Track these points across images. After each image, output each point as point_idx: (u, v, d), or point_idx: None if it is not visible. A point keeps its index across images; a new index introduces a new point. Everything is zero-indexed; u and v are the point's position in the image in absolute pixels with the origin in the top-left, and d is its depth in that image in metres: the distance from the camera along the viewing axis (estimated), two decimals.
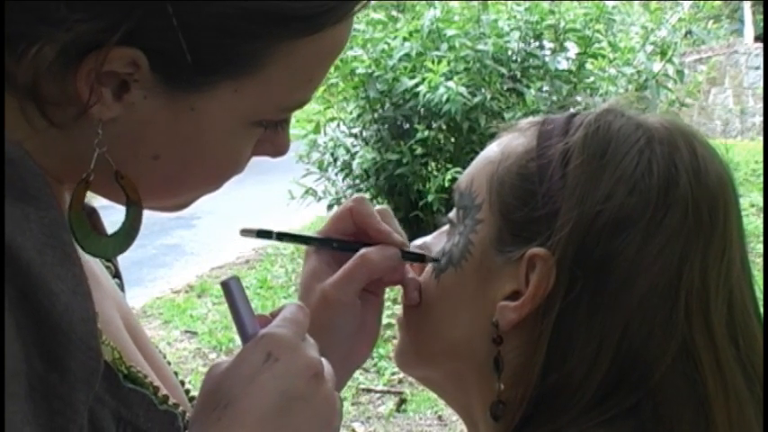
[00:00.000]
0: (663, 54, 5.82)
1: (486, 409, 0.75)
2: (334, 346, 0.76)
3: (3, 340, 0.53)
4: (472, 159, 0.82)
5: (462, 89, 5.02)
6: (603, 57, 5.66)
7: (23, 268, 0.55)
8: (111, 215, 0.72)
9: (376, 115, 5.65)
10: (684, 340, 0.70)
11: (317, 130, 5.87)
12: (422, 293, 0.82)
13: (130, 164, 0.64)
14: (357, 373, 4.06)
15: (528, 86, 5.28)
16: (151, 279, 6.22)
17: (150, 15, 0.57)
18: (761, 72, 10.68)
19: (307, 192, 5.94)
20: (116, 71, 0.59)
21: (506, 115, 4.99)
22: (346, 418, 3.88)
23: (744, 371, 0.71)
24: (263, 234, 0.81)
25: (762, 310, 0.76)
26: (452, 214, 0.82)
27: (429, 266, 0.82)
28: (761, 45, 11.21)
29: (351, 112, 5.83)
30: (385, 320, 0.91)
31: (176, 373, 0.82)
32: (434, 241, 0.84)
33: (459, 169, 4.88)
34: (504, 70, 5.39)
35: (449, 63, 5.19)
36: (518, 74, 5.49)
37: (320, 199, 5.97)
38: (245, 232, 0.80)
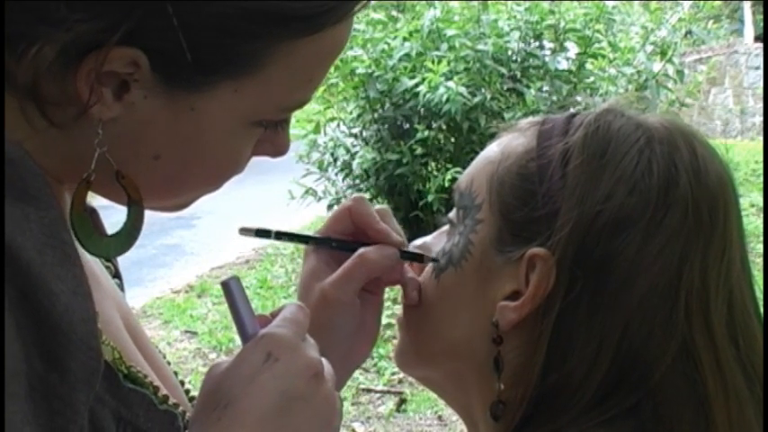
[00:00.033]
0: (663, 54, 5.82)
1: (486, 409, 0.75)
2: (333, 346, 0.76)
3: (3, 340, 0.53)
4: (472, 159, 0.82)
5: (462, 89, 5.02)
6: (603, 57, 5.66)
7: (23, 268, 0.55)
8: (112, 215, 0.72)
9: (376, 115, 5.65)
10: (684, 340, 0.70)
11: (316, 130, 5.87)
12: (422, 293, 0.82)
13: (131, 164, 0.64)
14: (357, 373, 4.07)
15: (528, 86, 5.28)
16: (151, 279, 6.22)
17: (150, 15, 0.57)
18: (761, 72, 10.68)
19: (307, 192, 5.94)
20: (116, 71, 0.59)
21: (506, 115, 4.98)
22: (346, 418, 3.88)
23: (744, 371, 0.71)
24: (262, 233, 0.81)
25: (762, 310, 0.76)
26: (452, 214, 0.82)
27: (429, 266, 0.82)
28: (761, 45, 11.21)
29: (351, 112, 5.83)
30: (385, 320, 0.91)
31: (176, 373, 0.82)
32: (434, 241, 0.84)
33: (459, 169, 4.88)
34: (504, 70, 5.39)
35: (449, 63, 5.19)
36: (518, 74, 5.49)
37: (320, 199, 5.97)
38: (244, 231, 0.81)
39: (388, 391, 4.21)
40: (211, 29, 0.59)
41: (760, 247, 5.18)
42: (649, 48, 5.88)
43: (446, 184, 5.04)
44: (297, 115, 4.81)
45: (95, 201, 0.68)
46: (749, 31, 12.84)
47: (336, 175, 6.02)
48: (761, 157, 8.09)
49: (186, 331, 5.18)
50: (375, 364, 4.41)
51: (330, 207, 5.84)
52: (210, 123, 0.64)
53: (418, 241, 0.86)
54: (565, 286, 0.70)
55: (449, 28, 5.47)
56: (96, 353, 0.58)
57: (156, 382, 0.72)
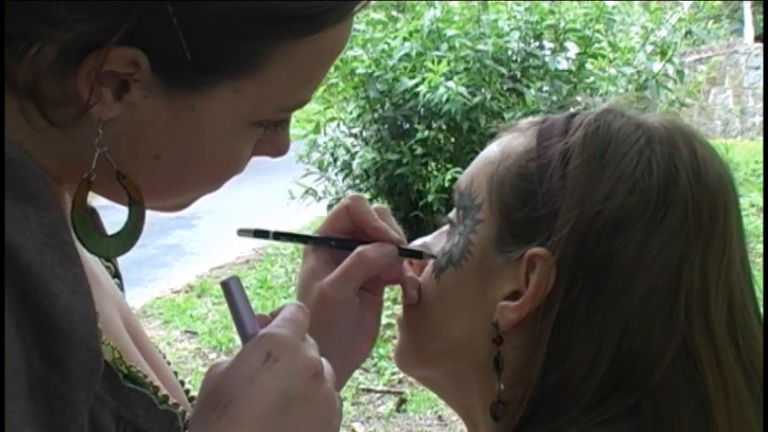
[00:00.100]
0: (663, 54, 5.82)
1: (486, 409, 0.75)
2: (333, 345, 0.76)
3: (3, 340, 0.53)
4: (472, 159, 0.82)
5: (462, 89, 5.02)
6: (603, 57, 5.65)
7: (23, 268, 0.55)
8: (112, 215, 0.72)
9: (376, 115, 5.65)
10: (684, 340, 0.70)
11: (316, 130, 5.87)
12: (422, 293, 0.82)
13: (131, 164, 0.64)
14: (357, 373, 4.07)
15: (528, 86, 5.28)
16: (151, 279, 6.22)
17: (150, 15, 0.57)
18: (761, 72, 10.68)
19: (307, 192, 5.94)
20: (116, 71, 0.59)
21: (506, 115, 4.98)
22: (346, 418, 3.88)
23: (744, 371, 0.71)
24: (260, 234, 0.81)
25: (762, 310, 0.76)
26: (452, 214, 0.82)
27: (429, 266, 0.82)
28: (761, 45, 11.21)
29: (351, 112, 5.83)
30: (385, 320, 0.91)
31: (176, 373, 0.82)
32: (434, 241, 0.84)
33: (459, 169, 4.87)
34: (504, 70, 5.39)
35: (449, 63, 5.19)
36: (518, 74, 5.49)
37: (320, 199, 5.97)
38: (242, 232, 0.81)
39: (388, 391, 4.21)
40: (211, 29, 0.59)
41: (760, 247, 5.18)
42: (649, 48, 5.88)
43: (446, 184, 5.04)
44: (297, 115, 4.80)
45: (95, 201, 0.68)
46: (749, 31, 12.83)
47: (336, 175, 6.02)
48: (761, 157, 8.09)
49: (186, 331, 5.18)
50: (375, 364, 4.41)
51: (330, 207, 5.84)
52: (210, 123, 0.64)
53: (418, 241, 0.86)
54: (565, 286, 0.70)
55: (449, 28, 5.47)
56: (96, 353, 0.59)
57: (156, 382, 0.72)
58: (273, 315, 0.67)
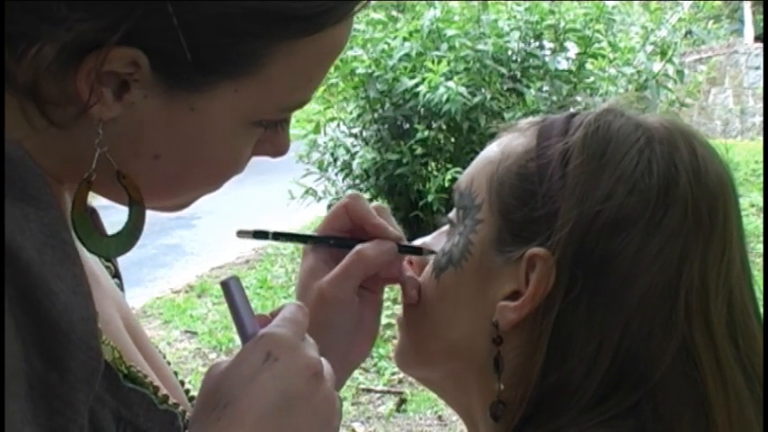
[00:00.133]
0: (663, 54, 5.82)
1: (486, 409, 0.75)
2: (332, 344, 0.76)
3: (3, 340, 0.53)
4: (472, 159, 0.82)
5: (462, 89, 5.02)
6: (603, 57, 5.66)
7: (23, 268, 0.55)
8: (112, 215, 0.72)
9: (376, 115, 5.65)
10: (684, 340, 0.70)
11: (317, 130, 5.87)
12: (422, 293, 0.82)
13: (131, 164, 0.64)
14: (357, 373, 4.07)
15: (528, 86, 5.28)
16: (151, 279, 6.22)
17: (150, 15, 0.57)
18: (761, 72, 10.67)
19: (307, 192, 5.94)
20: (116, 71, 0.59)
21: (506, 115, 4.98)
22: (346, 418, 3.88)
23: (744, 371, 0.71)
24: (260, 235, 0.81)
25: (762, 310, 0.76)
26: (452, 214, 0.82)
27: (429, 266, 0.82)
28: (761, 45, 11.20)
29: (351, 112, 5.83)
30: (385, 320, 0.92)
31: (176, 373, 0.82)
32: (434, 241, 0.84)
33: (459, 169, 4.88)
34: (504, 70, 5.39)
35: (449, 63, 5.19)
36: (518, 74, 5.49)
37: (320, 199, 5.97)
38: (242, 233, 0.80)
39: (388, 391, 4.21)
40: (211, 28, 0.59)
41: (760, 247, 5.18)
42: (649, 48, 5.88)
43: (446, 184, 5.04)
44: (297, 115, 4.80)
45: (96, 201, 0.68)
46: (749, 31, 12.83)
47: (336, 175, 6.02)
48: (761, 157, 8.09)
49: (186, 331, 5.18)
50: (375, 364, 4.41)
51: (330, 207, 5.83)
52: (211, 123, 0.64)
53: (418, 241, 0.86)
54: (564, 286, 0.70)
55: (449, 28, 5.47)
56: (96, 352, 0.59)
57: (156, 381, 0.72)
58: (273, 315, 0.67)
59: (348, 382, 0.86)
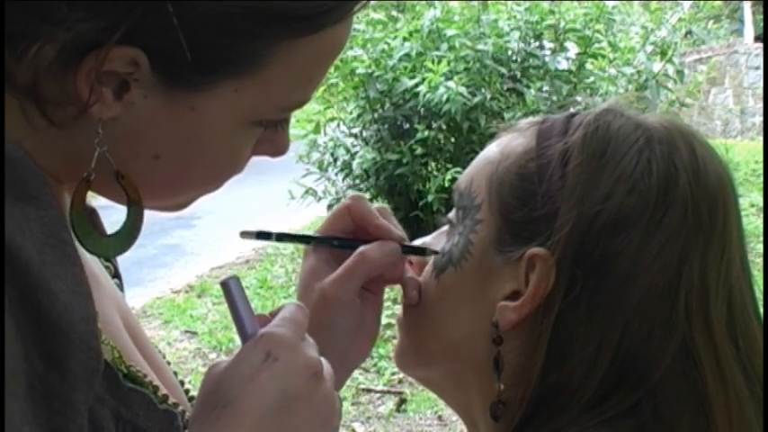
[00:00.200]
0: (663, 54, 5.82)
1: (486, 409, 0.75)
2: (333, 345, 0.76)
3: (3, 340, 0.53)
4: (472, 159, 0.82)
5: (462, 89, 5.02)
6: (603, 57, 5.66)
7: (23, 268, 0.55)
8: (112, 215, 0.72)
9: (376, 115, 5.65)
10: (684, 340, 0.70)
11: (317, 130, 5.87)
12: (422, 293, 0.82)
13: (131, 163, 0.64)
14: (357, 373, 4.07)
15: (528, 86, 5.28)
16: (151, 279, 6.22)
17: (150, 15, 0.57)
18: (761, 72, 10.67)
19: (307, 192, 5.94)
20: (116, 70, 0.59)
21: (506, 115, 4.98)
22: (346, 418, 3.88)
23: (744, 371, 0.71)
24: (263, 236, 0.81)
25: (762, 310, 0.76)
26: (452, 214, 0.82)
27: (429, 267, 0.82)
28: (761, 45, 11.20)
29: (351, 112, 5.83)
30: (385, 320, 0.91)
31: (176, 373, 0.82)
32: (434, 241, 0.84)
33: (459, 169, 4.88)
34: (504, 70, 5.39)
35: (449, 63, 5.19)
36: (518, 74, 5.49)
37: (320, 199, 5.97)
38: (245, 234, 0.80)
39: (388, 391, 4.21)
40: (211, 28, 0.59)
41: (760, 247, 5.18)
42: (649, 48, 5.88)
43: (446, 184, 5.04)
44: (297, 115, 4.81)
45: (96, 201, 0.68)
46: (749, 31, 12.83)
47: (336, 175, 6.02)
48: (761, 157, 8.09)
49: (186, 331, 5.18)
50: (375, 364, 4.41)
51: (330, 207, 5.84)
52: (210, 123, 0.64)
53: (418, 241, 0.86)
54: (564, 286, 0.70)
55: (449, 28, 5.47)
56: (96, 352, 0.59)
57: (156, 381, 0.72)
58: (273, 315, 0.67)
59: (348, 382, 0.86)
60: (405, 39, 5.50)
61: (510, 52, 5.51)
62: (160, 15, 0.57)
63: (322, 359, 0.65)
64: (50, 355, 0.56)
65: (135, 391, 0.68)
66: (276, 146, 0.70)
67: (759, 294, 0.77)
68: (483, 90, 5.27)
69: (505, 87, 5.35)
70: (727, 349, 0.71)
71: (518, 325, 0.73)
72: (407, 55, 5.42)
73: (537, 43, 5.65)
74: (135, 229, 0.67)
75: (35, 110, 0.60)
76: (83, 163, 0.63)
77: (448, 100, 5.01)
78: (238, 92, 0.62)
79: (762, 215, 6.16)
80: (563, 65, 5.61)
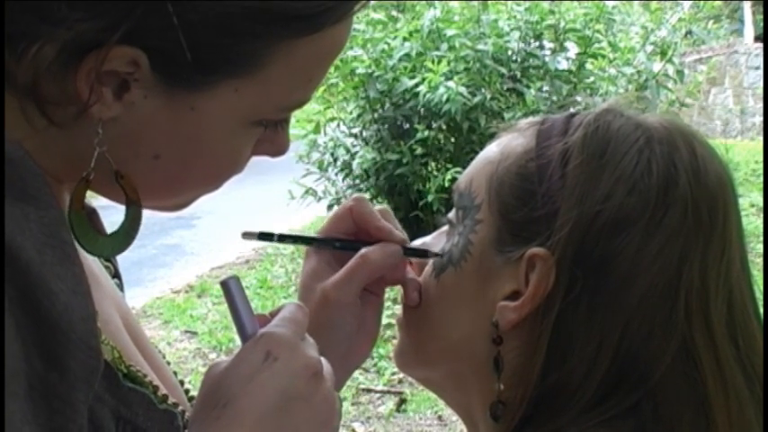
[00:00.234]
0: (663, 54, 5.82)
1: (485, 409, 0.75)
2: (333, 346, 0.76)
3: (3, 340, 0.53)
4: (472, 159, 0.82)
5: (462, 89, 5.02)
6: (603, 57, 5.66)
7: (23, 268, 0.55)
8: (112, 215, 0.72)
9: (376, 115, 5.65)
10: (684, 340, 0.70)
11: (317, 130, 5.87)
12: (422, 294, 0.82)
13: (131, 163, 0.64)
14: (357, 373, 4.07)
15: (528, 86, 5.28)
16: (151, 279, 6.22)
17: (150, 14, 0.57)
18: (761, 72, 10.67)
19: (307, 192, 5.94)
20: (116, 70, 0.59)
21: (506, 115, 4.99)
22: (346, 418, 3.88)
23: (744, 371, 0.71)
24: (265, 236, 0.81)
25: (762, 310, 0.76)
26: (452, 214, 0.82)
27: (429, 267, 0.82)
28: (761, 45, 11.20)
29: (351, 112, 5.83)
30: (385, 320, 0.91)
31: (176, 373, 0.82)
32: (434, 241, 0.84)
33: (459, 169, 4.88)
34: (504, 70, 5.39)
35: (449, 63, 5.19)
36: (518, 74, 5.49)
37: (320, 199, 5.97)
38: (247, 235, 0.80)
39: (388, 391, 4.21)
40: (211, 28, 0.59)
41: (760, 247, 5.18)
42: (649, 48, 5.88)
43: (446, 184, 5.04)
44: (297, 115, 4.81)
45: (96, 201, 0.68)
46: (749, 31, 12.83)
47: (336, 175, 6.03)
48: (761, 157, 8.09)
49: (186, 331, 5.18)
50: (375, 364, 4.41)
51: (330, 207, 5.85)
52: (210, 123, 0.64)
53: (418, 241, 0.86)
54: (564, 286, 0.70)
55: (449, 28, 5.47)
56: (96, 352, 0.59)
57: (156, 381, 0.72)
58: (273, 315, 0.67)
59: (348, 382, 0.86)
60: (405, 39, 5.50)
61: (510, 52, 5.51)
62: (160, 15, 0.57)
63: (322, 359, 0.65)
64: (50, 354, 0.56)
65: (135, 390, 0.68)
66: (276, 146, 0.70)
67: (759, 294, 0.77)
68: (483, 90, 5.27)
69: (505, 87, 5.35)
70: (727, 349, 0.71)
71: (518, 325, 0.73)
72: (407, 55, 5.42)
73: (537, 43, 5.65)
74: (133, 229, 0.67)
75: (35, 110, 0.60)
76: (83, 163, 0.63)
77: (448, 100, 5.01)
78: (238, 92, 0.62)
79: (762, 215, 6.16)
80: (563, 65, 5.61)
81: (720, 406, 0.70)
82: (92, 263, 0.73)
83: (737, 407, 0.70)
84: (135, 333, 0.76)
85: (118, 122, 0.61)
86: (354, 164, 5.78)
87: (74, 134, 0.62)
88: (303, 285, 0.82)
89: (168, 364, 0.82)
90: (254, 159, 0.71)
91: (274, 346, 0.62)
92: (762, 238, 5.30)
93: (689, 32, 7.55)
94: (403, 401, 4.09)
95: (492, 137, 0.82)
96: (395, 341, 0.87)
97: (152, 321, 5.31)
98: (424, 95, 5.14)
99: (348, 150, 5.89)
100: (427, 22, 5.46)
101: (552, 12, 5.59)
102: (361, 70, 5.41)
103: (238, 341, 0.65)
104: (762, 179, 7.29)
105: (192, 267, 6.59)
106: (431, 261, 0.82)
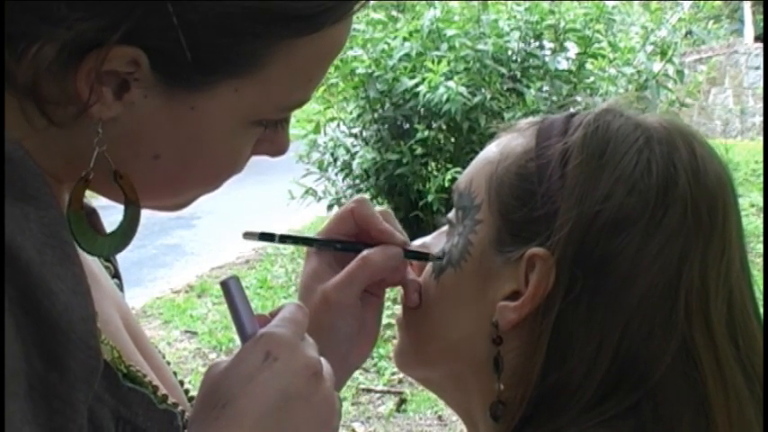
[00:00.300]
0: (663, 54, 5.82)
1: (485, 409, 0.75)
2: (333, 347, 0.76)
3: (3, 340, 0.53)
4: (472, 159, 0.82)
5: (462, 89, 5.02)
6: (603, 57, 5.66)
7: (23, 268, 0.55)
8: (111, 215, 0.72)
9: (376, 115, 5.65)
10: (684, 340, 0.70)
11: (317, 130, 5.87)
12: (421, 294, 0.82)
13: (131, 163, 0.64)
14: (357, 373, 4.07)
15: (528, 86, 5.28)
16: (151, 279, 6.22)
17: (150, 14, 0.57)
18: (761, 72, 10.67)
19: (307, 192, 5.95)
20: (116, 70, 0.59)
21: (506, 115, 4.99)
22: (346, 418, 3.88)
23: (744, 371, 0.71)
24: (266, 237, 0.81)
25: (762, 310, 0.76)
26: (452, 215, 0.82)
27: (429, 267, 0.82)
28: (761, 45, 11.20)
29: (351, 112, 5.84)
30: (385, 320, 0.91)
31: (176, 373, 0.82)
32: (434, 242, 0.84)
33: (459, 169, 4.88)
34: (504, 70, 5.39)
35: (449, 63, 5.19)
36: (518, 74, 5.49)
37: (320, 199, 5.97)
38: (248, 235, 0.80)
39: (388, 391, 4.21)
40: (211, 28, 0.59)
41: (760, 247, 5.18)
42: (649, 48, 5.88)
43: (446, 184, 5.04)
44: (297, 115, 4.81)
45: (97, 201, 0.68)
46: (749, 31, 12.83)
47: (336, 175, 6.03)
48: (761, 157, 8.09)
49: (186, 331, 5.18)
50: (375, 364, 4.41)
51: (330, 207, 5.85)
52: (210, 123, 0.64)
53: (418, 241, 0.86)
54: (564, 286, 0.70)
55: (449, 28, 5.47)
56: (95, 352, 0.59)
57: (156, 381, 0.72)
58: (273, 315, 0.67)
59: (348, 382, 0.86)
60: (405, 39, 5.50)
61: (510, 52, 5.52)
62: (160, 15, 0.57)
63: (322, 359, 0.65)
64: (50, 354, 0.56)
65: (134, 390, 0.68)
66: (276, 146, 0.70)
67: (759, 294, 0.77)
68: (483, 90, 5.27)
69: (505, 87, 5.35)
70: (727, 349, 0.71)
71: (518, 325, 0.73)
72: (407, 55, 5.42)
73: (537, 43, 5.65)
74: (131, 229, 0.67)
75: (35, 110, 0.60)
76: (83, 162, 0.62)
77: (448, 100, 5.01)
78: (238, 92, 0.63)
79: (762, 215, 6.16)
80: (563, 65, 5.61)
81: (720, 406, 0.70)
82: (92, 263, 0.73)
83: (737, 407, 0.70)
84: (135, 333, 0.76)
85: (118, 122, 0.61)
86: (354, 164, 5.78)
87: (74, 134, 0.62)
88: (303, 286, 0.82)
89: (168, 364, 0.82)
90: (254, 159, 0.71)
91: (274, 347, 0.62)
92: (762, 238, 5.30)
93: (689, 32, 7.55)
94: (403, 401, 4.09)
95: (492, 137, 0.82)
96: (395, 341, 0.87)
97: (152, 321, 5.31)
98: (424, 95, 5.14)
99: (348, 150, 5.89)
100: (427, 22, 5.46)
101: (552, 12, 5.59)
102: (361, 70, 5.41)
103: (238, 341, 0.65)
104: (762, 179, 7.29)
105: (192, 267, 6.59)
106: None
